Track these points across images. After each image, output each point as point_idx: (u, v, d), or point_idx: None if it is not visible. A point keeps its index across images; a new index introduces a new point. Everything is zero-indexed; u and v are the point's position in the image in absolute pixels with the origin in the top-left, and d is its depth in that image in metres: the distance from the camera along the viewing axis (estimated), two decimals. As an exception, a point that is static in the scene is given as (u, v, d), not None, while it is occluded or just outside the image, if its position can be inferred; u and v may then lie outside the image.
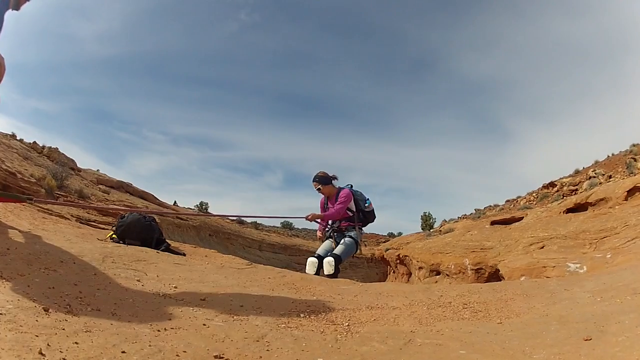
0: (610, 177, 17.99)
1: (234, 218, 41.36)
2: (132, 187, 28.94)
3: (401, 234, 76.27)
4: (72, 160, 22.85)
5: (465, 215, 33.21)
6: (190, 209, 51.67)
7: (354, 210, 7.22)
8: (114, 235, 5.98)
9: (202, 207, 47.64)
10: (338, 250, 6.80)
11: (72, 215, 10.52)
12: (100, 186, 22.35)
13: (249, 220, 46.10)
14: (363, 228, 7.47)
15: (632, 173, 15.14)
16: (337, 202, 7.02)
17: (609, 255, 9.96)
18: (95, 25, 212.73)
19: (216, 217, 34.55)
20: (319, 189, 7.16)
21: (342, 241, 7.01)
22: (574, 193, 18.98)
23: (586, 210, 14.91)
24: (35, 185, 11.70)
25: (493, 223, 20.48)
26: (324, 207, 7.41)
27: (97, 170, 28.99)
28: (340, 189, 7.24)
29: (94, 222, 11.38)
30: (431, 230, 30.97)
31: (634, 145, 23.54)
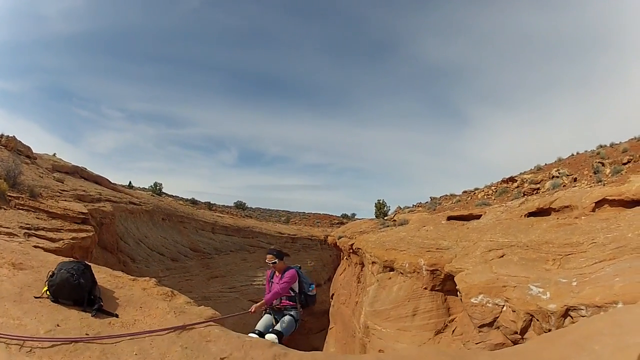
0: (575, 179, 17.37)
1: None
2: (87, 172, 28.40)
3: (355, 215, 77.33)
4: (29, 148, 22.63)
5: (420, 203, 32.64)
6: (145, 189, 49.90)
7: (297, 291, 7.48)
8: (48, 292, 5.67)
9: (156, 188, 46.79)
10: (280, 327, 7.07)
11: (20, 227, 10.16)
12: (55, 174, 21.78)
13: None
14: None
15: (600, 181, 14.37)
16: (282, 280, 7.27)
17: (575, 283, 9.30)
18: (61, 2, 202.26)
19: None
20: (274, 262, 7.40)
21: (283, 319, 7.25)
22: (535, 192, 18.33)
23: (549, 215, 14.08)
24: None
25: (449, 218, 19.67)
26: (269, 279, 7.71)
27: (54, 154, 29.16)
28: (288, 267, 7.50)
29: (42, 229, 11.04)
30: (385, 219, 30.19)
31: (601, 146, 23.23)
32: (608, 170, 16.09)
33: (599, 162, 17.85)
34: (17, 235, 9.28)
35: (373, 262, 20.42)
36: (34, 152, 24.12)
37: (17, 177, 13.61)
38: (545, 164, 24.49)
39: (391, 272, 18.80)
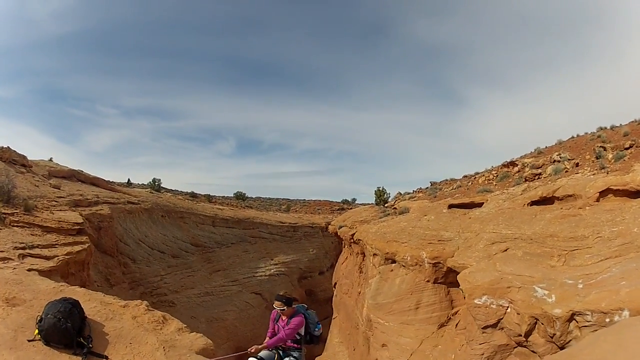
0: (577, 164, 17.11)
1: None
2: (83, 175, 28.17)
3: (355, 200, 77.73)
4: (24, 157, 22.35)
5: (420, 189, 32.39)
6: (144, 185, 49.72)
7: (302, 334, 7.52)
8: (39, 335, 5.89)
9: (155, 184, 46.51)
10: None
11: (15, 248, 10.21)
12: (52, 180, 21.52)
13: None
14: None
15: (603, 168, 14.11)
16: (288, 327, 7.26)
17: (581, 286, 9.10)
18: (49, 3, 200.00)
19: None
20: (282, 310, 7.37)
21: (287, 359, 7.34)
22: (537, 177, 18.12)
23: (552, 203, 13.86)
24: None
25: (451, 207, 19.43)
26: (274, 320, 7.68)
27: (50, 159, 28.92)
28: (295, 310, 7.54)
29: (37, 246, 11.00)
30: (385, 206, 30.02)
31: (601, 129, 22.83)
32: (610, 156, 15.81)
33: (600, 146, 17.53)
34: (11, 259, 9.28)
35: (374, 254, 20.25)
36: (29, 159, 23.93)
37: (10, 191, 13.45)
38: (546, 147, 24.14)
39: (393, 264, 18.61)
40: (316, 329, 7.82)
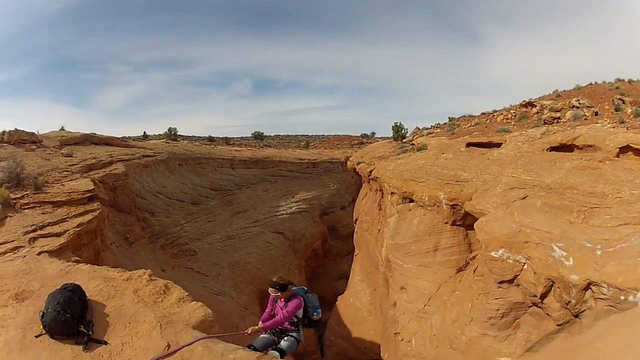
0: (596, 113, 16.47)
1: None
2: (96, 137, 27.77)
3: (374, 134, 77.25)
4: (32, 134, 22.01)
5: (438, 124, 31.58)
6: (160, 136, 49.73)
7: (300, 317, 7.53)
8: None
9: (171, 133, 46.88)
10: (284, 345, 7.26)
11: (25, 233, 10.22)
12: (64, 150, 21.21)
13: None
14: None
15: (622, 122, 13.65)
16: (286, 309, 7.26)
17: (599, 252, 8.84)
18: None
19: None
20: (277, 295, 7.36)
21: (286, 338, 7.39)
22: (555, 121, 17.50)
23: (572, 151, 13.30)
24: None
25: (469, 145, 18.90)
26: (272, 303, 7.63)
27: (62, 128, 28.58)
28: (294, 294, 7.51)
29: (48, 225, 10.98)
30: (403, 141, 29.42)
31: (618, 80, 22.25)
32: (629, 111, 15.22)
33: (619, 98, 16.80)
34: (22, 247, 9.42)
35: (392, 193, 19.98)
36: (41, 133, 24.00)
37: (20, 174, 13.43)
38: (564, 91, 23.31)
39: (411, 204, 18.37)
40: (315, 313, 7.84)
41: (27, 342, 5.90)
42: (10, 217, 11.01)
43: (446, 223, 16.31)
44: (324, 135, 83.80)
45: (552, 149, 14.08)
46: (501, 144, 17.19)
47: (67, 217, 11.59)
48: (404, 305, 17.33)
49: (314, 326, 7.98)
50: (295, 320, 7.48)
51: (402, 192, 18.59)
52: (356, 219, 31.30)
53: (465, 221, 15.64)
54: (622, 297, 7.77)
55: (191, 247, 27.13)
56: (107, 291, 7.27)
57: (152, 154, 29.83)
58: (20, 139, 20.06)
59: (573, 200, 10.77)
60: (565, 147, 13.68)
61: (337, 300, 29.47)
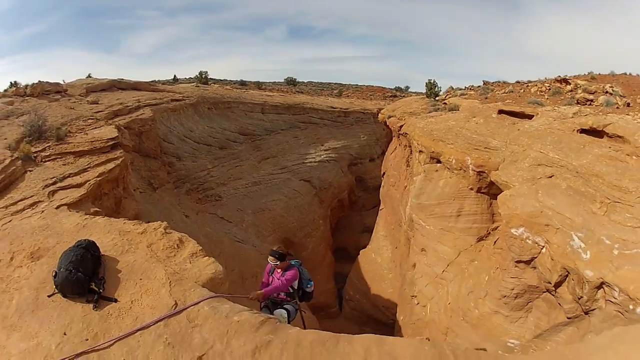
0: (628, 104, 15.80)
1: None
2: (124, 82, 27.56)
3: (408, 88, 75.45)
4: (57, 84, 21.87)
5: (472, 87, 30.69)
6: (190, 79, 49.42)
7: (295, 288, 7.79)
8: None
9: (202, 77, 46.25)
10: (288, 307, 7.58)
11: (45, 186, 10.32)
12: (90, 97, 21.19)
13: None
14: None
15: None
16: (285, 277, 7.50)
17: (616, 252, 8.63)
18: None
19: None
20: (276, 264, 7.56)
21: (279, 311, 7.47)
22: (588, 103, 16.98)
23: (602, 138, 12.79)
24: (11, 164, 11.05)
25: (500, 112, 18.23)
26: (269, 273, 7.86)
27: (89, 75, 28.80)
28: (290, 265, 7.74)
29: (68, 176, 11.10)
30: (436, 99, 28.68)
31: None
32: None
33: None
34: (40, 202, 9.53)
35: (420, 151, 19.73)
36: (66, 82, 23.90)
37: (42, 127, 13.39)
38: (599, 75, 22.36)
39: (438, 165, 18.16)
40: (308, 286, 8.03)
41: (40, 302, 6.03)
42: (31, 171, 11.07)
43: (471, 189, 16.03)
44: (357, 85, 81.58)
45: (583, 131, 13.49)
46: (533, 116, 16.64)
47: (88, 167, 11.64)
48: (423, 269, 17.34)
49: (307, 299, 8.18)
50: (291, 291, 7.71)
51: (430, 152, 18.33)
52: (384, 173, 31.06)
53: (491, 190, 15.34)
54: (631, 307, 7.64)
55: (216, 192, 27.32)
56: (122, 245, 7.39)
57: (181, 97, 29.59)
58: (44, 91, 19.86)
59: (597, 189, 10.38)
60: (595, 132, 13.09)
61: (359, 253, 29.67)
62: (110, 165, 12.15)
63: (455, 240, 16.29)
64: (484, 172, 15.19)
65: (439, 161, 17.92)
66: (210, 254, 20.03)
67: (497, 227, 14.92)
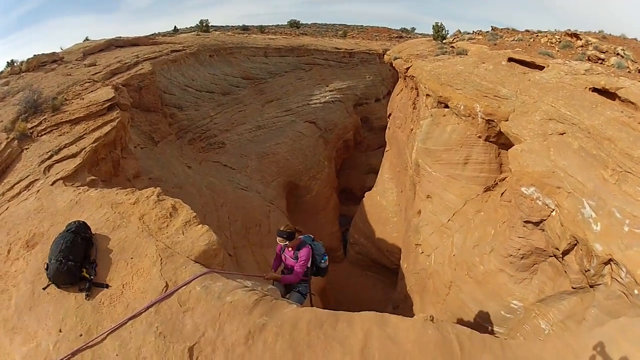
0: (639, 70, 15.02)
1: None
2: (122, 40, 27.14)
3: (414, 29, 73.39)
4: (52, 54, 21.36)
5: (480, 31, 29.53)
6: (192, 28, 48.13)
7: (309, 266, 7.47)
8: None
9: (203, 25, 45.74)
10: (294, 298, 7.28)
11: (40, 163, 10.18)
12: (87, 60, 20.83)
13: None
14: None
15: None
16: (298, 263, 7.27)
17: (627, 228, 8.31)
18: None
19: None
20: (285, 245, 7.34)
21: (291, 295, 7.46)
22: (600, 62, 16.35)
23: (614, 100, 12.25)
24: (7, 147, 10.85)
25: (510, 60, 17.59)
26: (280, 250, 7.69)
27: (86, 38, 28.20)
28: (301, 241, 7.48)
29: (64, 147, 10.95)
30: (443, 42, 27.76)
31: None
32: None
33: None
34: (36, 180, 9.47)
35: (427, 95, 19.19)
36: (63, 49, 23.63)
37: (36, 101, 13.12)
38: (610, 35, 21.76)
39: (445, 109, 17.66)
40: (322, 261, 7.81)
41: (36, 297, 6.04)
42: (27, 149, 10.91)
43: (479, 137, 15.66)
44: (362, 25, 78.91)
45: (594, 90, 12.94)
46: (543, 67, 16.01)
47: (84, 134, 11.45)
48: (428, 216, 17.26)
49: (321, 274, 7.98)
50: (305, 269, 7.43)
51: (438, 96, 17.81)
52: (389, 114, 30.50)
53: (499, 139, 14.96)
54: (636, 292, 7.45)
55: (220, 139, 27.15)
56: (113, 220, 7.28)
57: (181, 48, 29.07)
58: (40, 63, 19.58)
59: (609, 154, 9.98)
60: (607, 94, 12.53)
61: (364, 196, 29.63)
62: (107, 129, 11.94)
63: (462, 188, 16.09)
64: (493, 121, 14.74)
65: (446, 106, 17.42)
66: (213, 205, 20.01)
67: (505, 177, 14.66)
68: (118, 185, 11.41)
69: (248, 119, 31.10)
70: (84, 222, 6.88)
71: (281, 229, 7.26)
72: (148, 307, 5.60)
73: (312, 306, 7.55)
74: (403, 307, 18.63)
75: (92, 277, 6.18)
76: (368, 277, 27.61)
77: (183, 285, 5.83)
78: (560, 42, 20.36)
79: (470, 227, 14.80)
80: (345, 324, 5.45)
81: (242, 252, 18.76)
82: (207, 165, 24.24)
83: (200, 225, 7.31)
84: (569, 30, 21.78)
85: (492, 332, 12.12)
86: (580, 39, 19.99)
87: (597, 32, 22.10)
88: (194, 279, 5.94)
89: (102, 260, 6.45)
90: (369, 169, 39.42)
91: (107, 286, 6.11)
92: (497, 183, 15.14)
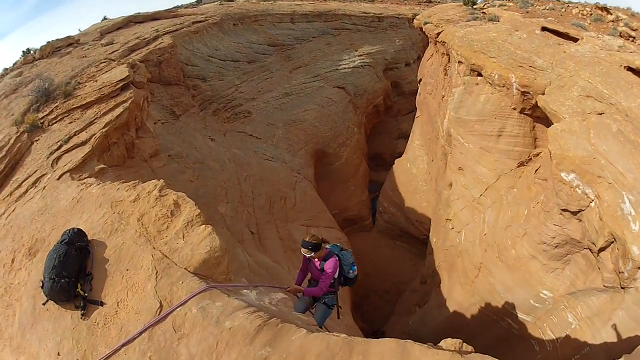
0: None
1: None
2: (141, 16, 26.90)
3: None
4: (67, 37, 21.12)
5: (512, -1, 28.04)
6: None
7: (336, 277, 7.05)
8: None
9: None
10: (317, 317, 7.11)
11: (49, 154, 10.05)
12: (104, 40, 20.57)
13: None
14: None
15: None
16: (323, 276, 6.82)
17: None
18: None
19: None
20: (311, 256, 6.84)
21: (317, 306, 7.29)
22: (631, 40, 15.42)
23: None
24: (16, 141, 10.76)
25: (544, 29, 16.66)
26: (306, 262, 7.24)
27: (104, 17, 27.98)
28: (328, 252, 7.02)
29: (74, 135, 10.78)
30: (474, 7, 26.51)
31: None
32: None
33: None
34: (43, 176, 9.31)
35: (459, 62, 18.34)
36: (80, 31, 23.66)
37: (48, 89, 12.87)
38: (638, 13, 20.24)
39: (479, 78, 16.84)
40: (351, 271, 7.27)
41: (37, 314, 6.04)
42: (37, 141, 10.75)
43: (514, 109, 14.89)
44: (391, -10, 76.25)
45: (629, 69, 12.01)
46: (577, 39, 15.07)
47: (95, 119, 11.18)
48: (460, 190, 16.76)
49: (349, 284, 7.53)
50: (332, 281, 6.99)
51: (471, 64, 16.96)
52: (420, 79, 29.50)
53: (535, 112, 14.18)
54: None
55: (245, 108, 26.74)
56: (111, 223, 6.93)
57: (203, 19, 28.57)
58: (54, 49, 19.32)
59: None
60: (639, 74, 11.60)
61: (394, 162, 29.01)
62: (119, 111, 11.61)
63: (495, 162, 15.45)
64: (529, 93, 13.93)
65: (479, 74, 16.57)
66: (236, 179, 19.64)
67: (540, 153, 13.95)
68: (132, 167, 11.16)
69: (275, 87, 30.53)
70: (79, 229, 6.65)
71: (306, 239, 6.77)
72: (141, 333, 5.30)
73: (338, 318, 7.42)
74: (431, 283, 18.33)
75: (86, 294, 6.03)
76: (396, 247, 27.28)
77: (178, 307, 5.38)
78: (591, 14, 19.37)
79: (502, 205, 14.21)
80: (360, 357, 4.76)
81: (266, 227, 18.44)
82: (231, 136, 23.89)
83: (204, 226, 6.69)
84: (598, 3, 20.75)
85: (517, 319, 11.84)
86: (611, 14, 18.99)
87: (626, 8, 20.92)
88: (190, 298, 5.45)
89: (97, 271, 6.26)
90: (399, 134, 38.53)
91: (101, 304, 5.92)
92: (531, 158, 14.41)
